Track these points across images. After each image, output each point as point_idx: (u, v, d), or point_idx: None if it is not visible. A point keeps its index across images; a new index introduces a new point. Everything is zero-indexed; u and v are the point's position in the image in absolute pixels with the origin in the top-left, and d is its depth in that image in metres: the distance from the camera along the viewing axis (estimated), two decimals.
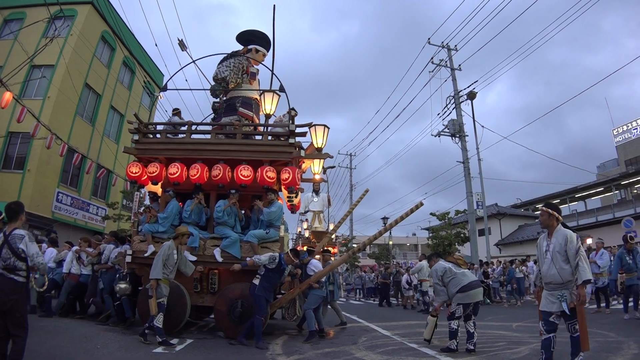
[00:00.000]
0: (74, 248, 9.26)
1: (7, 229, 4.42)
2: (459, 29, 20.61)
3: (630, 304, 9.13)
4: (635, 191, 35.98)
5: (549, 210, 4.84)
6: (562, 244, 4.62)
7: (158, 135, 8.92)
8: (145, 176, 8.40)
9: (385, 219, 30.94)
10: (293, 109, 9.19)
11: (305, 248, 9.68)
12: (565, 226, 4.79)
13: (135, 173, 8.38)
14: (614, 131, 43.42)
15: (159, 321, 6.56)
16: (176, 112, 9.80)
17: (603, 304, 10.71)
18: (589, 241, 21.22)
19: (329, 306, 9.93)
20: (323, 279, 8.37)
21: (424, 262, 14.00)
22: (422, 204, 7.90)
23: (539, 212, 5.07)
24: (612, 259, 11.58)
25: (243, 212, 8.77)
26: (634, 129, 41.04)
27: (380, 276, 19.09)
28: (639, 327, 7.98)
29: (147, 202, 9.02)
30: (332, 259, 10.04)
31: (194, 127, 8.94)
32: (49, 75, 19.28)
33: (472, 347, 6.20)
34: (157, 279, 6.66)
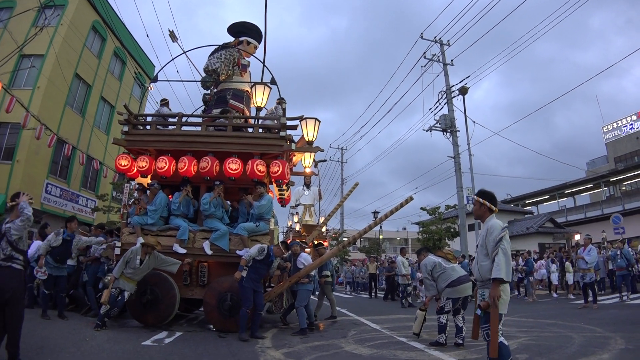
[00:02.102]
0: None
1: (8, 219, 4.48)
2: (452, 24, 20.59)
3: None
4: (623, 188, 36.40)
5: (480, 199, 4.18)
6: (484, 236, 4.01)
7: (148, 127, 8.85)
8: (135, 169, 8.35)
9: (375, 213, 30.99)
10: (282, 99, 9.16)
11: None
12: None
13: (125, 166, 8.33)
14: (604, 128, 43.77)
15: (104, 310, 6.96)
16: (164, 102, 9.68)
17: (590, 299, 10.80)
18: (577, 237, 21.45)
19: (325, 301, 9.97)
20: (313, 273, 8.38)
21: (400, 258, 14.44)
22: (412, 199, 7.91)
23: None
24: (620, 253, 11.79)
25: (230, 203, 8.72)
26: (623, 127, 41.38)
27: (384, 269, 19.31)
28: (627, 322, 8.06)
29: (136, 194, 8.97)
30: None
31: (184, 119, 8.87)
32: (38, 65, 19.03)
33: (460, 341, 6.25)
34: (115, 277, 7.08)
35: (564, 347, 5.85)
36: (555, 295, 15.65)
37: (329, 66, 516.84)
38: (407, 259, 15.02)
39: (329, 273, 9.76)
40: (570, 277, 14.89)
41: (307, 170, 10.48)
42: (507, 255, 3.75)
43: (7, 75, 17.29)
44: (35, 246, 9.27)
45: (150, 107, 23.33)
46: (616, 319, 8.52)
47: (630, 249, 13.09)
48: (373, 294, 19.75)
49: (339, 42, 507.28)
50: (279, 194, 9.96)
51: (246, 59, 10.06)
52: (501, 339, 3.67)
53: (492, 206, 4.14)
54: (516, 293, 16.04)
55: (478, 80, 36.61)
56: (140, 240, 7.64)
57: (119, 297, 7.04)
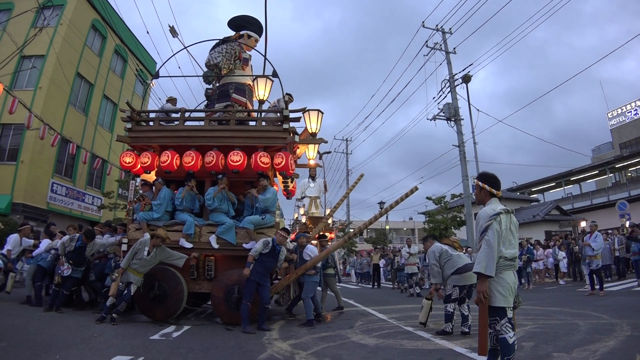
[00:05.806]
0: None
1: None
2: (452, 13, 20.41)
3: None
4: (629, 174, 36.19)
5: (479, 182, 3.83)
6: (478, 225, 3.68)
7: (151, 123, 8.86)
8: (139, 166, 8.38)
9: (381, 203, 30.95)
10: (288, 94, 9.14)
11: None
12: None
13: (129, 163, 8.35)
14: (609, 114, 43.45)
15: (110, 302, 7.18)
16: (170, 99, 9.75)
17: (597, 286, 10.76)
18: (583, 224, 21.36)
19: (329, 291, 9.99)
20: (319, 265, 8.39)
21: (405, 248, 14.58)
22: (416, 189, 7.88)
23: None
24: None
25: (236, 197, 8.72)
26: (628, 112, 41.07)
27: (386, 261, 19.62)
28: (633, 309, 8.03)
29: (141, 190, 9.01)
30: (329, 244, 10.05)
31: (187, 114, 8.87)
32: (39, 66, 19.09)
33: (467, 330, 6.25)
34: (123, 268, 7.22)
35: (570, 334, 5.84)
36: (562, 282, 15.61)
37: (325, 59, 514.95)
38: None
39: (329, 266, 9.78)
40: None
41: (312, 162, 10.47)
42: (491, 247, 3.39)
43: (8, 77, 17.34)
44: (45, 244, 9.38)
45: (153, 103, 23.44)
46: (622, 306, 8.49)
47: None
48: (376, 284, 19.75)
49: (333, 34, 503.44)
50: (284, 186, 9.95)
51: (247, 52, 10.03)
52: (506, 335, 3.35)
53: (493, 190, 3.76)
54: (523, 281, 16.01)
55: (481, 67, 36.39)
56: (147, 236, 7.68)
57: (125, 291, 7.11)
